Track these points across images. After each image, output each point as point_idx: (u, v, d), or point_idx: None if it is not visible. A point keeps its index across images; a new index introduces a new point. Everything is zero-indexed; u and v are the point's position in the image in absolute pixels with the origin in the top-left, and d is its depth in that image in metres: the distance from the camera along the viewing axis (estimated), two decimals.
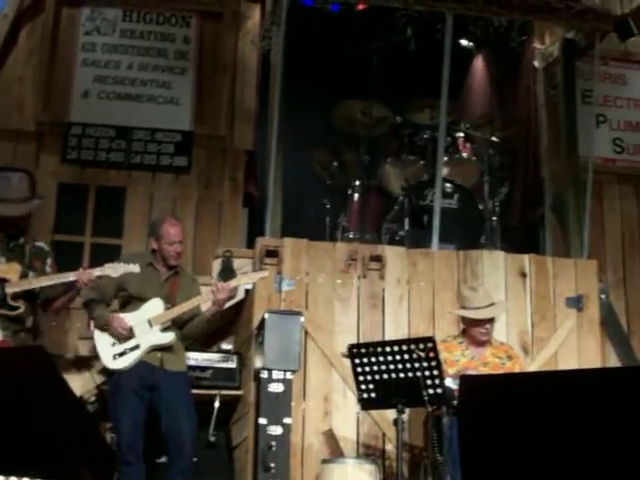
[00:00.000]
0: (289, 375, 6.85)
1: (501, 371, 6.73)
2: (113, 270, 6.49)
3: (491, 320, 6.86)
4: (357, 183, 9.19)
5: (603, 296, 8.27)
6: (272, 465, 6.55)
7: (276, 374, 6.81)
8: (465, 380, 4.81)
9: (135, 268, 6.55)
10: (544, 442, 4.47)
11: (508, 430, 4.42)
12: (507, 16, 8.75)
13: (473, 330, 6.84)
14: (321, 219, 9.27)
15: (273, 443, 6.60)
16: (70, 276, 6.37)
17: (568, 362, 7.72)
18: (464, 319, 6.94)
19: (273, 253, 7.59)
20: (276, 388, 6.79)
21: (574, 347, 7.83)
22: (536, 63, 9.85)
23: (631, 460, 4.34)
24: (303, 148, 9.49)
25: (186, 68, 9.27)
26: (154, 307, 6.70)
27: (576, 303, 7.91)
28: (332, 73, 9.93)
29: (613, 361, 8.45)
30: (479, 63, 10.74)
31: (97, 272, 6.47)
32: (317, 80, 9.91)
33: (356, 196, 9.17)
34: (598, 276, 8.22)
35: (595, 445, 4.42)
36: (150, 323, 6.64)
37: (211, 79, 9.32)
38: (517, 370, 6.83)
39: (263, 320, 6.92)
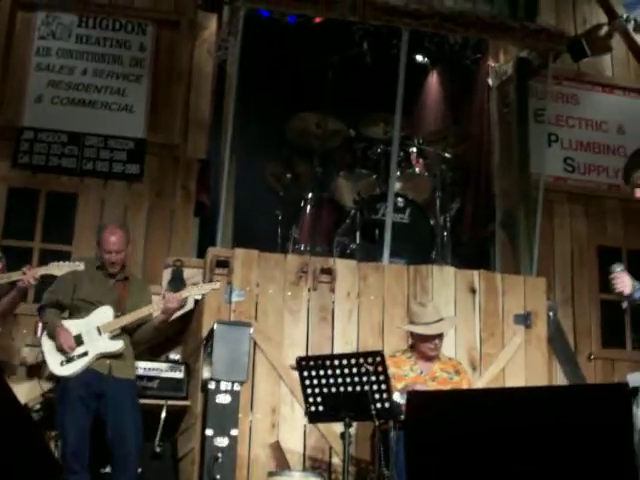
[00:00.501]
0: (237, 386, 6.83)
1: (449, 386, 6.75)
2: (58, 269, 6.47)
3: (440, 336, 6.88)
4: (310, 195, 9.20)
5: (551, 313, 8.33)
6: (218, 477, 6.52)
7: (224, 385, 6.79)
8: (412, 395, 4.85)
9: (79, 266, 6.54)
10: (489, 457, 4.50)
11: (454, 445, 4.45)
12: (462, 33, 8.80)
13: (422, 345, 6.86)
14: (273, 230, 9.25)
15: (219, 455, 6.58)
16: (14, 276, 6.34)
17: (515, 379, 7.77)
18: (413, 334, 6.95)
19: (224, 263, 7.57)
20: (223, 399, 6.76)
21: (521, 364, 7.88)
22: (490, 81, 9.90)
23: (575, 475, 4.38)
24: (257, 159, 9.46)
25: (141, 75, 9.23)
26: (104, 314, 6.66)
27: (524, 320, 7.96)
28: (288, 85, 9.92)
29: (560, 378, 8.52)
30: (434, 79, 10.78)
31: (41, 271, 6.46)
32: (272, 91, 9.89)
33: (308, 208, 9.17)
34: (547, 293, 8.29)
35: (540, 461, 4.45)
36: (99, 330, 6.59)
37: (166, 87, 9.28)
38: (465, 385, 6.85)
39: (212, 330, 6.91)
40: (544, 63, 9.37)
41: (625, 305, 5.68)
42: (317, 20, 9.23)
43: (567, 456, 4.47)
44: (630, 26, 10.16)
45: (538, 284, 8.23)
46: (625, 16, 10.16)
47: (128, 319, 6.68)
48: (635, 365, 9.26)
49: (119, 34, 9.30)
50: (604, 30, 10.15)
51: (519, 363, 7.86)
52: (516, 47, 9.42)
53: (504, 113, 9.69)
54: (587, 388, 6.91)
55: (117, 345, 6.64)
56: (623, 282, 5.64)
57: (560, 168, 10.01)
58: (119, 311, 6.71)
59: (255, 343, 7.29)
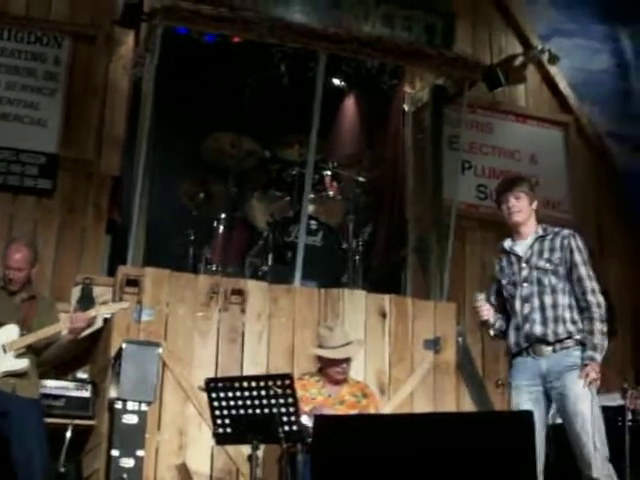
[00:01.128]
0: (144, 407, 6.76)
1: (357, 409, 6.76)
2: None
3: (347, 359, 6.89)
4: (223, 216, 9.16)
5: (460, 339, 8.40)
6: None
7: (131, 405, 6.72)
8: (319, 419, 4.83)
9: None
10: None
11: (360, 469, 4.45)
12: (380, 59, 8.90)
13: (329, 369, 6.85)
14: (185, 250, 9.19)
15: (125, 476, 6.51)
16: None
17: (424, 403, 7.81)
18: (321, 358, 6.95)
19: (134, 282, 7.49)
20: (130, 419, 6.69)
21: (430, 388, 7.93)
22: (406, 107, 9.98)
23: None
24: (170, 177, 9.40)
25: (55, 89, 9.11)
26: (8, 333, 6.55)
27: (434, 345, 8.02)
28: (204, 104, 9.89)
29: (468, 403, 8.57)
30: (350, 103, 10.83)
31: None
32: (188, 110, 9.87)
33: (221, 229, 9.13)
34: (456, 319, 8.36)
35: None
36: (4, 349, 6.48)
37: (80, 102, 9.18)
38: (372, 408, 6.87)
39: (120, 349, 6.83)
40: (459, 91, 9.49)
41: (493, 333, 5.84)
42: (235, 40, 9.24)
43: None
44: (544, 57, 10.35)
45: (448, 309, 8.30)
46: (540, 47, 10.36)
47: (33, 337, 6.57)
48: None
49: (34, 47, 9.17)
50: (519, 60, 10.35)
51: (428, 388, 7.91)
52: (432, 74, 9.53)
53: (419, 139, 9.77)
54: (492, 415, 6.97)
55: (22, 363, 6.53)
56: (488, 311, 5.79)
57: (473, 195, 10.12)
58: (24, 330, 6.60)
59: (164, 363, 7.21)
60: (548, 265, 5.72)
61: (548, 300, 5.68)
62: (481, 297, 5.86)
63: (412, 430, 4.49)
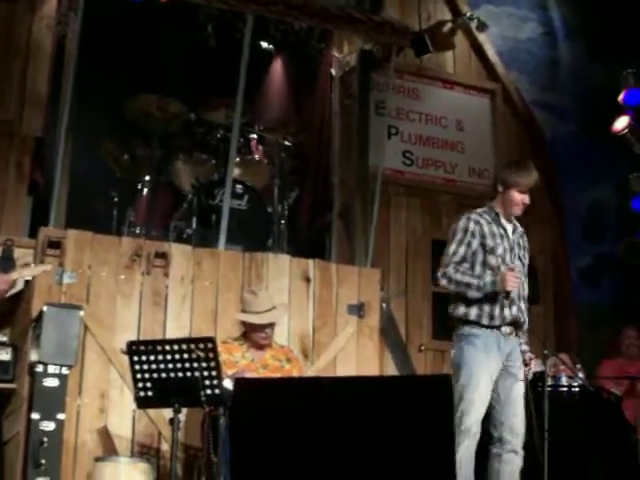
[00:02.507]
0: (65, 370, 6.72)
1: (280, 374, 6.76)
2: None
3: (271, 324, 6.88)
4: (147, 178, 9.07)
5: (384, 305, 8.44)
6: (43, 462, 6.43)
7: (52, 368, 6.68)
8: (239, 382, 4.83)
9: None
10: (315, 445, 4.53)
11: (280, 432, 4.46)
12: (307, 22, 8.85)
13: (253, 334, 6.85)
14: (108, 212, 9.08)
15: (45, 439, 6.48)
16: None
17: (347, 368, 7.84)
18: (245, 323, 6.94)
19: (56, 244, 7.39)
20: (51, 383, 6.65)
21: (353, 353, 7.96)
22: (333, 71, 9.95)
23: (399, 460, 4.45)
24: (94, 139, 9.27)
25: None
26: None
27: (357, 310, 8.04)
28: (129, 64, 9.74)
29: (391, 368, 8.64)
30: (277, 66, 10.76)
31: None
32: (113, 70, 9.69)
33: (145, 191, 9.04)
34: (380, 284, 8.39)
35: (367, 447, 4.51)
36: None
37: (2, 62, 8.95)
38: (295, 373, 6.89)
39: (41, 312, 6.77)
40: (387, 56, 9.48)
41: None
42: (162, 0, 9.11)
43: (392, 442, 4.53)
44: (473, 24, 10.36)
45: (372, 275, 8.33)
46: (468, 14, 10.36)
47: None
48: None
49: None
50: (447, 27, 10.33)
51: (351, 352, 7.94)
52: (360, 39, 9.50)
53: (346, 104, 9.75)
54: (412, 378, 7.04)
55: None
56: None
57: (399, 161, 10.13)
58: None
59: (85, 326, 7.16)
60: (524, 260, 5.94)
61: (522, 292, 5.86)
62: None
63: (332, 393, 4.51)
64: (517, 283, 5.70)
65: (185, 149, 9.26)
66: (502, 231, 5.87)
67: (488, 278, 5.67)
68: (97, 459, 6.54)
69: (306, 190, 9.98)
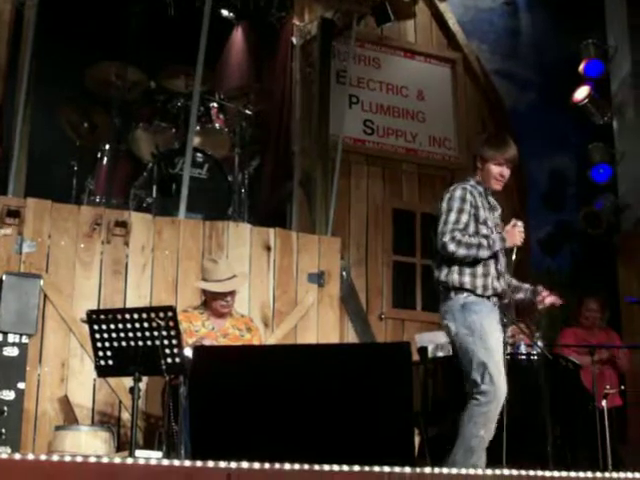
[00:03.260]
0: (25, 339, 6.74)
1: (240, 342, 6.78)
2: None
3: (232, 293, 6.89)
4: (107, 147, 9.01)
5: (344, 273, 8.47)
6: (3, 431, 6.46)
7: (11, 337, 6.69)
8: (198, 350, 4.84)
9: None
10: (275, 412, 4.55)
11: (239, 400, 4.48)
12: None
13: (214, 303, 6.85)
14: (68, 181, 9.02)
15: (5, 408, 6.51)
16: None
17: (307, 336, 7.87)
18: (205, 291, 6.94)
19: (15, 213, 7.35)
20: (11, 352, 6.66)
21: (314, 322, 7.99)
22: (294, 40, 9.92)
23: (358, 424, 4.49)
24: (53, 107, 9.21)
25: None
26: None
27: (318, 279, 8.06)
28: (88, 32, 9.65)
29: (351, 336, 8.69)
30: (238, 35, 10.71)
31: None
32: (72, 38, 9.61)
33: (105, 160, 8.97)
34: (341, 253, 8.41)
35: (326, 414, 4.53)
36: None
37: None
38: (256, 342, 6.90)
39: (0, 281, 6.77)
40: (348, 25, 9.48)
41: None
42: None
43: (351, 409, 4.57)
44: None
45: (332, 244, 8.35)
46: None
47: None
48: (424, 325, 9.52)
49: None
50: None
51: (311, 321, 7.97)
52: (321, 7, 9.49)
53: (307, 73, 9.73)
54: (372, 346, 7.08)
55: None
56: None
57: (359, 130, 10.13)
58: None
59: (45, 295, 7.15)
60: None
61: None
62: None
63: (291, 360, 4.53)
64: (522, 237, 5.71)
65: (145, 117, 9.19)
66: (489, 205, 5.83)
67: (496, 235, 5.67)
68: (58, 428, 6.54)
69: (267, 159, 9.96)
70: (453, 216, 5.67)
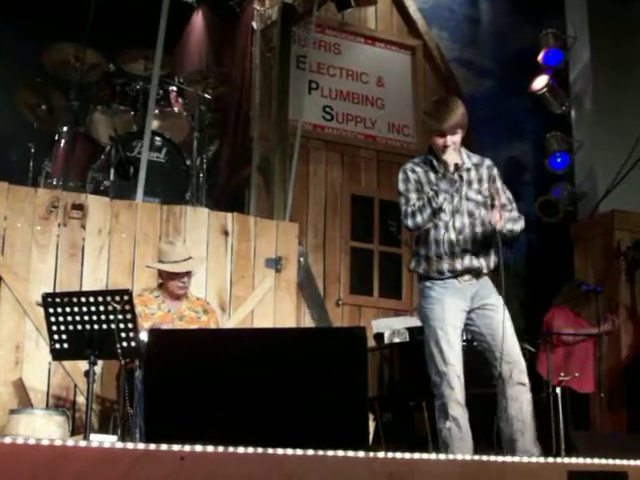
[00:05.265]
0: None
1: (196, 325, 6.78)
2: None
3: (188, 274, 6.89)
4: (64, 129, 8.94)
5: (302, 259, 8.47)
6: None
7: None
8: (153, 333, 4.82)
9: None
10: (229, 395, 4.55)
11: (194, 383, 4.47)
12: None
13: (170, 284, 6.85)
14: (25, 163, 8.95)
15: None
16: None
17: (264, 321, 7.87)
18: (161, 273, 6.93)
19: None
20: None
21: (270, 307, 7.98)
22: (255, 24, 9.91)
23: (315, 410, 4.51)
24: (10, 88, 9.13)
25: None
26: None
27: (275, 264, 8.06)
28: (47, 13, 9.58)
29: (307, 322, 8.71)
30: (198, 19, 10.69)
31: None
32: (30, 18, 9.54)
33: (62, 142, 8.91)
34: (298, 239, 8.41)
35: (282, 399, 4.54)
36: None
37: None
38: (212, 325, 6.91)
39: None
40: (308, 10, 9.48)
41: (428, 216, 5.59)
42: None
43: (306, 393, 4.58)
44: None
45: (290, 229, 8.34)
46: None
47: None
48: (381, 312, 9.58)
49: None
50: None
51: (268, 306, 7.97)
52: None
53: (267, 58, 9.73)
54: (328, 330, 7.09)
55: None
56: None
57: (319, 116, 10.16)
58: None
59: (0, 277, 7.09)
60: (485, 192, 5.69)
61: (478, 237, 5.65)
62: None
63: (247, 344, 4.53)
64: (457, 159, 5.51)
65: (103, 100, 9.12)
66: (440, 176, 5.55)
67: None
68: (12, 411, 6.48)
69: (225, 143, 9.95)
70: (402, 199, 5.60)
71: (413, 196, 5.56)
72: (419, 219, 5.47)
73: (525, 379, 5.49)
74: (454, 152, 5.54)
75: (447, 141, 5.54)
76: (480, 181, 5.73)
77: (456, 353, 5.43)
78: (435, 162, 5.64)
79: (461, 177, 5.60)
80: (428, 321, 5.52)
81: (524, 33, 11.37)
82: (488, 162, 5.85)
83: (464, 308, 5.54)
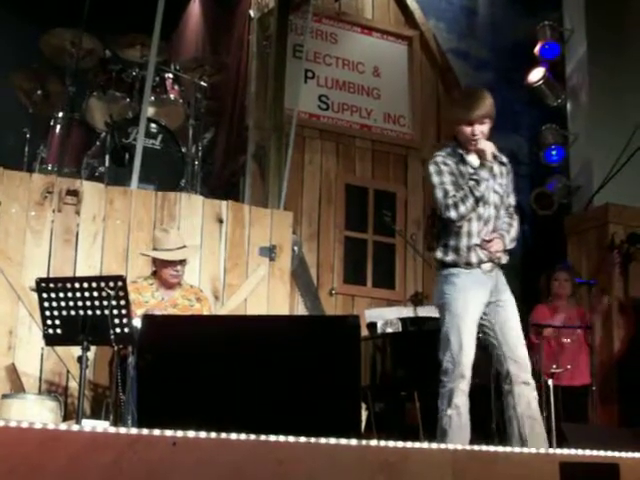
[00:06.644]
0: None
1: (189, 313, 6.77)
2: None
3: (182, 262, 6.88)
4: (60, 115, 8.93)
5: (296, 248, 8.47)
6: None
7: None
8: (147, 319, 4.83)
9: None
10: (221, 382, 4.57)
11: (186, 369, 4.49)
12: None
13: (164, 272, 6.84)
14: (20, 148, 8.94)
15: None
16: None
17: (257, 310, 7.86)
18: (155, 260, 6.93)
19: None
20: None
21: (264, 295, 7.98)
22: (251, 12, 9.90)
23: (307, 397, 4.52)
24: (7, 73, 9.11)
25: None
26: None
27: (269, 252, 8.05)
28: None
29: (301, 311, 8.73)
30: (195, 6, 10.69)
31: None
32: (27, 4, 9.52)
33: (58, 128, 8.89)
34: (293, 228, 8.42)
35: (275, 386, 4.56)
36: None
37: None
38: (205, 312, 6.89)
39: None
40: None
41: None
42: None
43: (299, 380, 4.59)
44: None
45: (285, 218, 8.34)
46: None
47: None
48: (374, 301, 9.59)
49: None
50: None
51: (261, 295, 7.96)
52: None
53: (263, 46, 9.71)
54: (321, 318, 7.10)
55: None
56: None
57: (314, 105, 10.15)
58: None
59: None
60: (501, 190, 5.68)
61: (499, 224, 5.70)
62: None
63: (239, 331, 4.54)
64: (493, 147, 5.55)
65: (99, 86, 9.10)
66: (470, 170, 5.57)
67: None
68: (4, 396, 6.48)
69: (221, 131, 9.95)
70: (439, 192, 5.54)
71: (450, 188, 5.53)
72: (462, 209, 5.47)
73: (530, 378, 5.51)
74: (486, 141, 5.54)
75: (475, 130, 5.54)
76: (502, 175, 5.74)
77: (473, 344, 5.45)
78: (463, 153, 5.61)
79: (491, 168, 5.60)
80: (450, 308, 5.51)
81: (521, 25, 11.37)
82: (504, 159, 5.83)
83: (484, 300, 5.55)
